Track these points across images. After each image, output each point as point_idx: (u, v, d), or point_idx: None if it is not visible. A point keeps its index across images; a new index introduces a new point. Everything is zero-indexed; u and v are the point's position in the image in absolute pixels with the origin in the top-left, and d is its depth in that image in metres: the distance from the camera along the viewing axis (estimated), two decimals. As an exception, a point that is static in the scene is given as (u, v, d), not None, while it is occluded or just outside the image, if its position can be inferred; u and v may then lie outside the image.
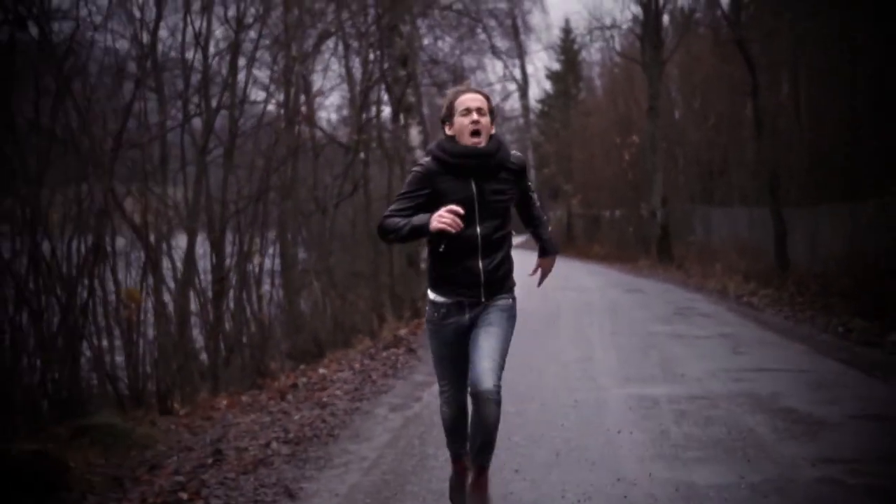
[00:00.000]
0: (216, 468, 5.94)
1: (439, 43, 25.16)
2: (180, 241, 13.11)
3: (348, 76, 21.45)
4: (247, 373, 11.27)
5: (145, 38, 12.75)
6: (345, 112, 24.49)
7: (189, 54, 13.22)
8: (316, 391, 8.86)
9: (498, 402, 4.15)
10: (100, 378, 9.46)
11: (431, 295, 4.41)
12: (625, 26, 32.37)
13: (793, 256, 18.91)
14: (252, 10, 12.53)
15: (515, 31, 38.18)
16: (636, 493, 5.03)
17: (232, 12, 12.84)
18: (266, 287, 14.39)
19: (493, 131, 4.33)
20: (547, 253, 4.65)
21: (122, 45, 12.95)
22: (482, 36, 26.39)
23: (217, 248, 13.03)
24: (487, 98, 4.34)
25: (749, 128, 23.25)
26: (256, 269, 13.91)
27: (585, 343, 11.48)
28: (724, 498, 4.89)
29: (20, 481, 5.20)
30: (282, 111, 14.73)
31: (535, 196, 4.59)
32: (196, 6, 12.76)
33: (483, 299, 4.28)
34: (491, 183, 4.24)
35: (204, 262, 13.28)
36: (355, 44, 20.22)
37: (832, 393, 7.75)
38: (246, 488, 5.46)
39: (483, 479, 4.42)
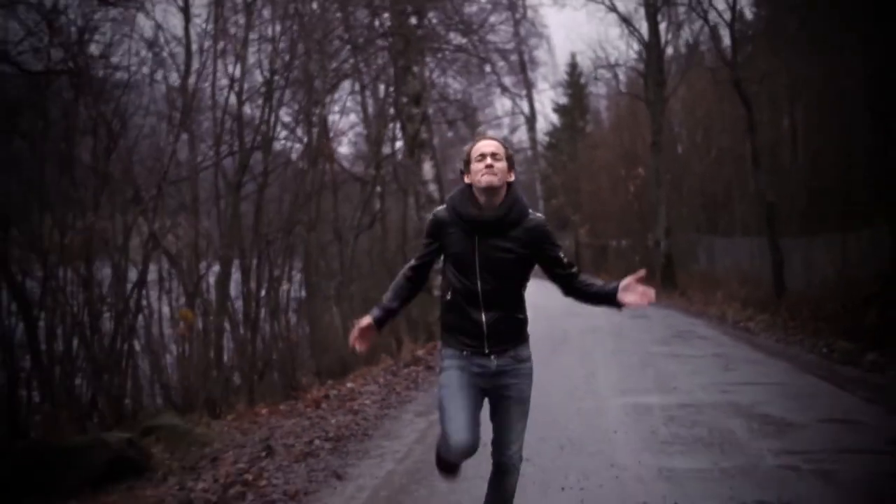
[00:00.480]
0: (270, 459, 6.98)
1: (449, 80, 26.22)
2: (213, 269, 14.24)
3: (364, 114, 22.63)
4: (279, 388, 12.30)
5: (175, 79, 14.01)
6: (359, 145, 25.65)
7: (219, 96, 14.43)
8: (347, 401, 9.89)
9: (518, 472, 4.31)
10: (156, 387, 10.59)
11: (442, 342, 4.43)
12: (628, 65, 33.57)
13: (790, 284, 19.85)
14: (279, 60, 13.59)
15: (523, 66, 39.31)
16: (626, 475, 6.09)
17: (263, 57, 13.97)
18: (292, 312, 15.43)
19: (512, 178, 4.26)
20: (615, 290, 4.45)
21: (157, 88, 14.21)
22: (491, 75, 27.43)
23: (248, 275, 14.09)
24: (504, 146, 4.29)
25: (750, 161, 24.30)
26: (284, 296, 14.95)
27: (590, 361, 12.48)
28: (697, 478, 5.93)
29: (118, 464, 6.29)
30: (304, 150, 15.74)
31: (567, 260, 4.39)
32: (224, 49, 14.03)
33: (486, 351, 4.19)
34: (496, 239, 4.16)
35: (235, 289, 14.31)
36: (371, 84, 21.47)
37: (805, 402, 8.77)
38: (299, 472, 6.52)
39: None
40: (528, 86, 46.49)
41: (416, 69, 20.41)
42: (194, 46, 13.87)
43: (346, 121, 28.04)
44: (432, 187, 19.36)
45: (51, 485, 6.09)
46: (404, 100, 19.95)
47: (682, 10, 28.32)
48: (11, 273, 11.78)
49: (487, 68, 25.78)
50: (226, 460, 7.06)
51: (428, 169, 19.81)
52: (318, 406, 9.78)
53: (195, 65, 13.69)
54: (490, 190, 4.12)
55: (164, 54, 13.66)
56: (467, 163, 4.25)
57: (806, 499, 5.42)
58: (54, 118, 11.34)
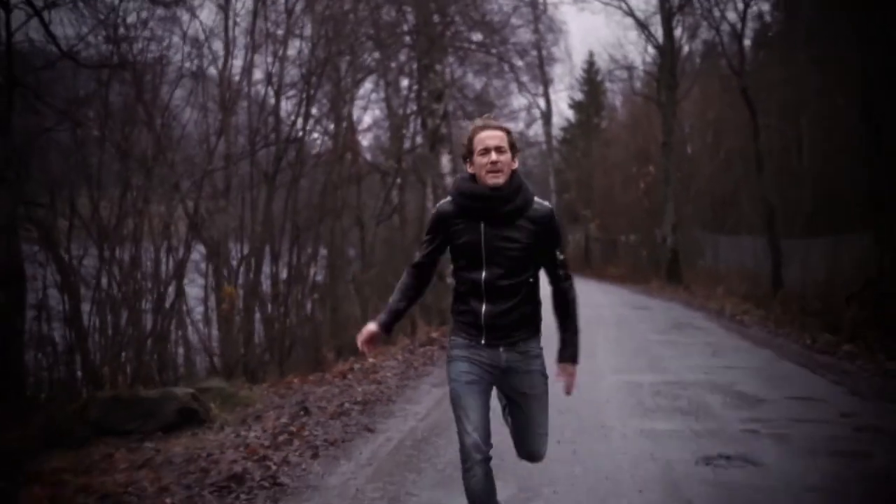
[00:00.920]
0: (308, 417, 8.13)
1: (469, 77, 27.28)
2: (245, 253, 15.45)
3: (388, 109, 23.74)
4: (305, 362, 13.47)
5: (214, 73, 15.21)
6: (380, 138, 26.77)
7: (254, 91, 15.61)
8: (370, 374, 11.04)
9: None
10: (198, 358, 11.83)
11: (451, 331, 4.40)
12: (642, 68, 34.61)
13: (788, 282, 20.93)
14: (314, 60, 14.73)
15: (540, 62, 40.44)
16: (612, 434, 7.24)
17: (299, 56, 15.12)
18: (316, 294, 16.62)
19: (515, 166, 4.18)
20: (563, 358, 4.32)
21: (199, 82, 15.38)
22: (509, 73, 28.47)
23: (277, 260, 15.27)
24: (508, 132, 4.17)
25: (761, 162, 25.32)
26: (310, 279, 16.13)
27: (591, 346, 13.54)
28: (672, 437, 7.08)
29: (184, 414, 7.48)
30: (331, 143, 16.89)
31: (562, 260, 4.28)
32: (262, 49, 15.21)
33: (483, 342, 4.15)
34: (502, 228, 4.08)
35: (265, 272, 15.48)
36: (394, 80, 22.59)
37: (778, 383, 9.88)
38: (336, 427, 7.68)
39: None
40: (545, 81, 47.76)
41: (438, 67, 21.51)
42: (232, 44, 15.12)
43: (369, 114, 29.07)
44: (449, 180, 20.47)
45: (131, 429, 7.30)
46: (425, 94, 21.05)
47: (696, 16, 29.25)
48: (59, 253, 13.07)
49: (506, 67, 26.91)
50: (269, 417, 8.21)
51: (446, 162, 20.87)
52: (344, 377, 10.93)
53: (237, 62, 14.91)
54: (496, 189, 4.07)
55: (205, 50, 14.91)
56: (470, 152, 4.16)
57: (760, 453, 6.53)
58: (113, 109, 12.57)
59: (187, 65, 14.17)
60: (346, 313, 17.51)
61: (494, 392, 4.35)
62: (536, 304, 4.24)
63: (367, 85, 22.37)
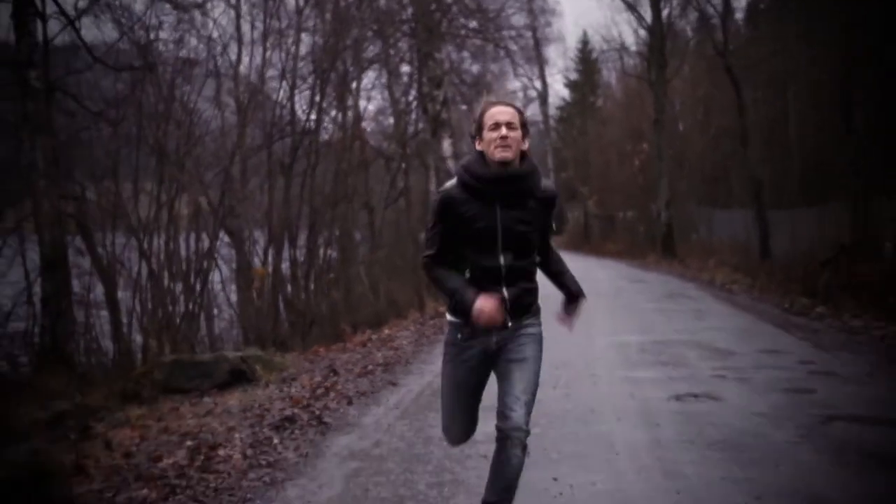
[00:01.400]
0: (337, 377, 9.36)
1: (466, 63, 28.42)
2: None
3: (391, 97, 24.91)
4: (326, 336, 14.69)
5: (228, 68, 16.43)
6: (384, 123, 27.93)
7: (266, 86, 16.81)
8: (387, 342, 12.29)
9: (525, 447, 3.99)
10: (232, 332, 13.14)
11: (451, 318, 4.20)
12: (633, 48, 35.74)
13: (776, 251, 22.14)
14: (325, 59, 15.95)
15: (536, 43, 41.53)
16: (600, 381, 8.51)
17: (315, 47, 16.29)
18: (331, 274, 17.86)
19: (526, 146, 4.08)
20: (575, 298, 4.40)
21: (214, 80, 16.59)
22: (505, 58, 29.58)
23: (295, 243, 16.50)
24: (519, 111, 4.08)
25: (751, 138, 26.47)
26: (326, 261, 17.37)
27: (588, 314, 14.60)
28: (650, 382, 8.33)
29: (235, 374, 8.74)
30: (341, 133, 18.06)
31: (551, 234, 4.30)
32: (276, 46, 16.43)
33: (508, 324, 4.05)
34: (517, 211, 4.00)
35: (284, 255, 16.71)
36: (396, 69, 23.75)
37: (751, 340, 11.11)
38: (363, 382, 8.94)
39: None
40: (541, 62, 48.89)
41: (437, 55, 22.67)
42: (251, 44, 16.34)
43: (373, 102, 30.19)
44: (451, 163, 21.64)
45: (191, 387, 8.56)
46: (426, 81, 22.20)
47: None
48: (93, 242, 14.33)
49: (502, 52, 28.05)
50: (304, 377, 9.43)
51: (447, 147, 22.02)
52: (364, 346, 12.18)
53: (249, 59, 16.10)
54: (504, 164, 3.97)
55: (218, 48, 16.11)
56: (479, 128, 4.05)
57: (722, 391, 7.78)
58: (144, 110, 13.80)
59: (209, 66, 15.28)
60: (358, 292, 18.73)
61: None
62: (537, 281, 4.23)
63: (370, 73, 23.53)
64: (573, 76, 54.19)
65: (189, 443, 6.32)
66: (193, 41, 15.63)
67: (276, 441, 6.42)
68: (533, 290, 4.16)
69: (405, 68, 24.67)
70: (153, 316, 12.28)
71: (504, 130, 3.95)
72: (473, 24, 25.53)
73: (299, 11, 15.65)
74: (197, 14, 15.58)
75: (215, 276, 14.73)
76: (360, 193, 19.46)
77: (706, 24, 26.89)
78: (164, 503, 5.01)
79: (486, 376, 4.24)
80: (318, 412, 7.37)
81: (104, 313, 14.04)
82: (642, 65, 34.42)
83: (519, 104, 4.21)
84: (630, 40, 45.51)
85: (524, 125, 4.07)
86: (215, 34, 16.53)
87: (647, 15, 31.16)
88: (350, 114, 18.31)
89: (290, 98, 15.59)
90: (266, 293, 13.89)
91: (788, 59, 23.30)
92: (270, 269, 14.60)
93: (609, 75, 51.14)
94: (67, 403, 7.45)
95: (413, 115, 23.44)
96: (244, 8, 16.15)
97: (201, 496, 5.14)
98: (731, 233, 29.17)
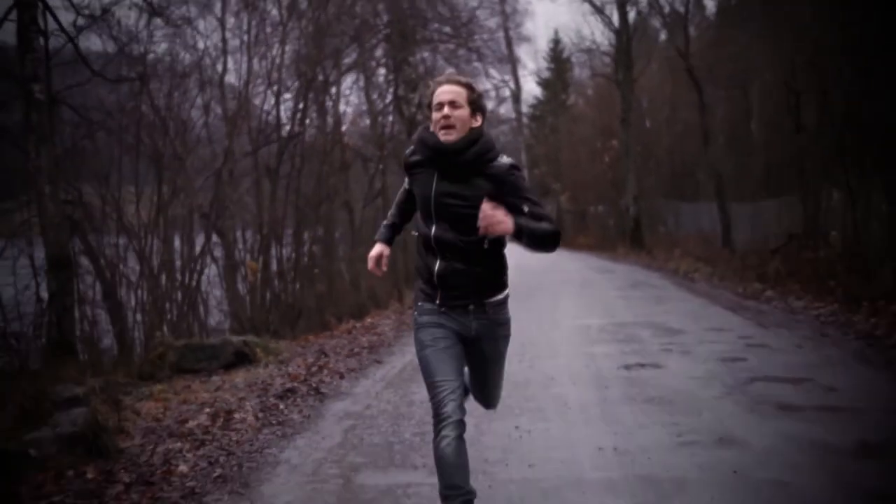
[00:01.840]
0: (328, 358, 10.46)
1: (439, 64, 29.47)
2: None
3: (368, 102, 25.96)
4: (312, 326, 15.79)
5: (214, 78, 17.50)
6: (359, 123, 28.97)
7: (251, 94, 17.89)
8: (370, 329, 13.40)
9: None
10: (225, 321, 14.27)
11: (416, 294, 4.26)
12: (601, 49, 37.00)
13: (738, 241, 23.44)
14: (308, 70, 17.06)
15: (508, 42, 42.63)
16: (561, 356, 9.67)
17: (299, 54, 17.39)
18: (316, 270, 18.97)
19: (477, 124, 3.98)
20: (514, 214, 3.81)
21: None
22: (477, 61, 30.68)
23: (280, 241, 17.59)
24: (469, 88, 3.97)
25: (711, 135, 27.76)
26: (308, 256, 18.47)
27: (555, 301, 15.97)
28: (604, 355, 9.50)
29: (238, 356, 9.84)
30: (322, 138, 19.14)
31: (535, 212, 3.89)
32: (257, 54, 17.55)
33: (437, 302, 4.04)
34: (454, 185, 3.93)
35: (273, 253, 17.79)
36: (373, 74, 24.80)
37: (700, 321, 12.29)
38: (352, 362, 10.07)
39: None
40: (513, 61, 50.01)
41: (412, 59, 23.78)
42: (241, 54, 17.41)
43: (350, 105, 31.21)
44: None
45: (200, 368, 9.66)
46: (402, 85, 23.31)
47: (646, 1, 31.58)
48: (89, 242, 15.36)
49: (474, 56, 29.12)
50: (298, 359, 10.52)
51: (423, 148, 23.08)
52: (349, 333, 13.28)
53: (240, 67, 17.17)
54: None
55: (207, 60, 17.18)
56: (429, 107, 4.03)
57: (666, 361, 8.97)
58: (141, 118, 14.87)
59: (200, 76, 16.33)
60: (340, 286, 19.83)
61: None
62: (499, 266, 4.11)
63: (348, 78, 24.56)
64: (545, 74, 55.40)
65: (207, 410, 7.42)
66: (182, 52, 16.61)
67: (281, 407, 7.54)
68: (475, 270, 3.99)
69: (381, 73, 25.72)
70: (153, 309, 13.33)
71: (446, 110, 3.90)
72: (447, 29, 26.58)
73: (283, 24, 16.71)
74: (187, 28, 16.65)
75: (209, 272, 15.85)
76: (340, 193, 20.53)
77: (668, 28, 28.11)
78: (196, 452, 6.11)
79: (459, 346, 4.09)
80: (315, 385, 8.49)
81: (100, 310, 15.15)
82: (611, 65, 35.64)
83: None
84: (600, 40, 46.70)
85: (473, 102, 3.96)
86: (201, 45, 17.57)
87: (615, 17, 32.46)
88: (331, 119, 19.37)
89: (276, 105, 16.70)
90: (258, 286, 14.98)
91: (747, 61, 24.55)
92: (261, 265, 15.68)
93: (581, 73, 52.40)
94: (89, 384, 8.49)
95: (390, 118, 24.47)
96: (231, 21, 17.19)
97: (226, 447, 6.25)
98: (696, 225, 30.51)
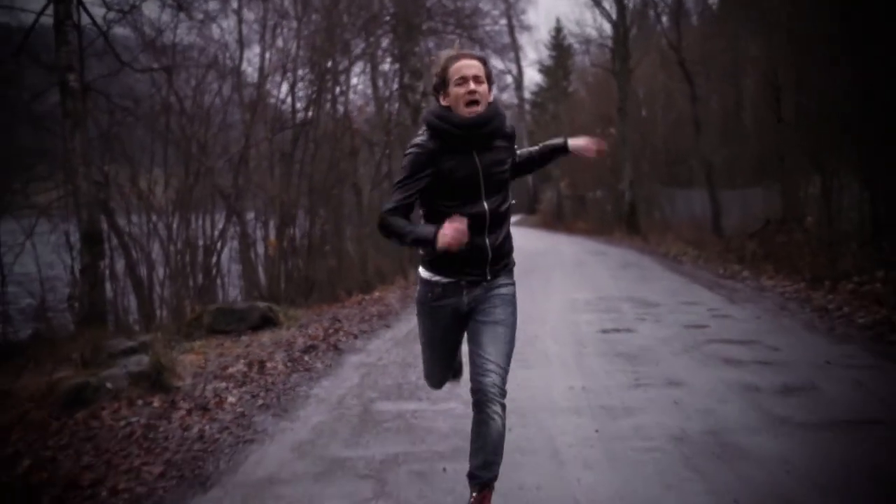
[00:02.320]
0: (342, 324, 11.76)
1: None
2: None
3: (374, 90, 27.19)
4: (324, 299, 17.08)
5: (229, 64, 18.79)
6: (367, 109, 30.23)
7: (268, 84, 19.17)
8: (378, 301, 14.70)
9: (503, 406, 3.98)
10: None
11: (425, 274, 4.16)
12: (598, 40, 38.26)
13: (727, 226, 24.69)
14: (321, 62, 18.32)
15: (511, 29, 43.78)
16: (548, 322, 10.97)
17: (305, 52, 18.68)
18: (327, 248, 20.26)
19: (492, 98, 4.03)
20: (564, 146, 4.42)
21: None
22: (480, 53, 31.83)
23: (293, 221, 18.88)
24: (484, 62, 4.00)
25: (705, 125, 28.96)
26: (320, 235, 19.76)
27: (548, 279, 17.25)
28: (587, 322, 10.79)
29: (264, 319, 11.16)
30: (332, 124, 20.38)
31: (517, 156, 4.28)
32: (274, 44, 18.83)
33: (489, 277, 4.07)
34: (491, 154, 3.99)
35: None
36: (380, 63, 26.02)
37: (678, 296, 13.59)
38: (364, 326, 11.37)
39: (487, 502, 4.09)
40: (516, 47, 51.16)
41: (417, 49, 24.98)
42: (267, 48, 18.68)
43: (358, 93, 32.42)
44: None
45: (230, 329, 10.98)
46: (407, 74, 24.52)
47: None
48: (115, 221, 16.66)
49: (477, 48, 30.29)
50: (315, 325, 11.83)
51: (426, 134, 24.29)
52: (359, 304, 14.58)
53: (261, 59, 18.42)
54: None
55: (228, 53, 18.46)
56: (444, 82, 3.97)
57: (639, 327, 10.28)
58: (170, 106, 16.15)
59: (223, 67, 17.61)
60: (348, 263, 21.12)
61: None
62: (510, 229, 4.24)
63: (356, 67, 25.79)
64: (547, 62, 56.61)
65: (243, 360, 8.74)
66: (203, 43, 17.84)
67: (306, 359, 8.86)
68: (510, 238, 4.17)
69: (388, 62, 26.92)
70: (182, 281, 14.67)
71: (472, 85, 3.90)
72: (451, 20, 27.74)
73: (298, 19, 17.96)
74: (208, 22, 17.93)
75: (229, 248, 17.17)
76: (349, 177, 21.79)
77: (660, 22, 29.33)
78: (239, 389, 7.42)
79: (461, 334, 4.25)
80: (332, 343, 9.82)
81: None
82: (609, 55, 36.82)
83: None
84: (598, 31, 48.06)
85: (489, 77, 4.01)
86: (217, 35, 18.85)
87: (613, 10, 33.65)
88: (341, 107, 20.61)
89: (292, 94, 17.96)
90: (277, 261, 16.32)
91: (736, 53, 25.78)
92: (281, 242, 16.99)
93: (583, 60, 53.58)
94: (140, 339, 9.81)
95: (396, 105, 25.68)
96: (251, 16, 18.47)
97: (264, 386, 7.57)
98: (689, 211, 31.70)
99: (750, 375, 7.35)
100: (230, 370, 8.23)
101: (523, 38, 68.68)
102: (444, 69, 3.94)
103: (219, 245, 16.45)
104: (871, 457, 5.00)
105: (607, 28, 36.01)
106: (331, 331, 10.84)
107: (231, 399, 7.02)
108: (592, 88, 44.13)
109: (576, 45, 43.25)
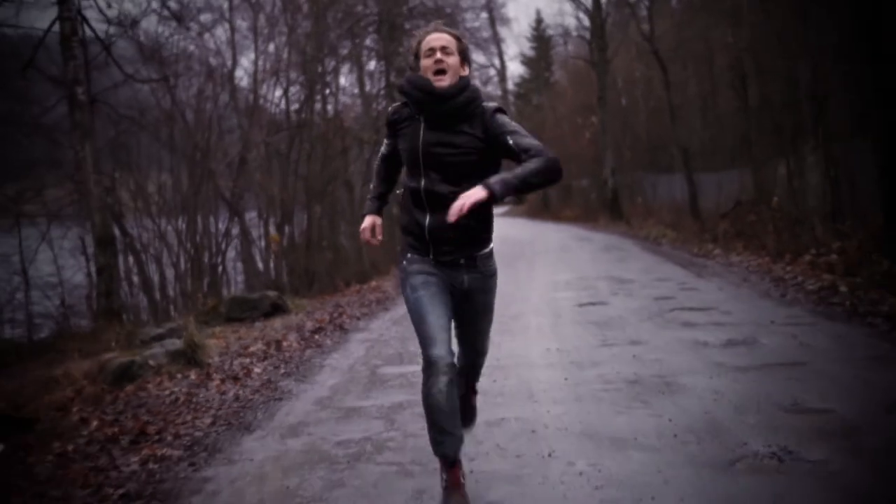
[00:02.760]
0: (344, 309, 12.90)
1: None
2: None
3: (361, 90, 28.32)
4: (324, 288, 18.25)
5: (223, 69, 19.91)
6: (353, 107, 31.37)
7: (260, 90, 20.30)
8: (375, 290, 15.86)
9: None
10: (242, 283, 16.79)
11: (402, 247, 4.20)
12: (576, 33, 39.41)
13: (705, 209, 25.83)
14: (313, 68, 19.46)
15: (492, 22, 45.05)
16: (530, 300, 12.13)
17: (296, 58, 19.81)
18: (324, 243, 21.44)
19: (466, 73, 4.02)
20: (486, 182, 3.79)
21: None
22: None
23: (290, 218, 20.03)
24: (458, 38, 4.01)
25: (684, 110, 30.17)
26: (317, 230, 20.93)
27: (533, 264, 18.42)
28: (565, 299, 11.96)
29: (274, 307, 12.30)
30: (324, 124, 21.53)
31: (522, 144, 3.93)
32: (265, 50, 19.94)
33: (431, 256, 4.08)
34: (442, 133, 3.93)
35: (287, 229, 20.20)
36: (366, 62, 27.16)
37: (651, 273, 14.76)
38: (364, 311, 12.53)
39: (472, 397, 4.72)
40: (497, 41, 52.40)
41: (401, 49, 26.09)
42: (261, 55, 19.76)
43: (346, 92, 33.51)
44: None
45: (244, 316, 12.12)
46: (393, 73, 25.62)
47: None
48: (123, 225, 17.79)
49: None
50: (320, 311, 12.98)
51: (414, 130, 25.40)
52: (358, 293, 15.74)
53: (256, 65, 19.54)
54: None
55: (225, 62, 19.58)
56: (416, 57, 4.03)
57: (611, 300, 11.45)
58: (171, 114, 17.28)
59: (213, 74, 18.73)
60: (343, 256, 22.30)
61: None
62: (487, 218, 4.12)
63: (343, 67, 26.90)
64: (529, 54, 57.77)
65: (261, 341, 9.91)
66: (198, 51, 18.99)
67: (316, 338, 10.05)
68: (464, 229, 3.97)
69: (374, 62, 28.03)
70: (195, 277, 15.84)
71: (439, 55, 3.91)
72: (433, 18, 28.86)
73: (290, 28, 19.10)
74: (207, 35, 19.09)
75: (232, 245, 18.37)
76: (341, 174, 22.95)
77: (634, 13, 30.49)
78: (262, 363, 8.58)
79: (450, 297, 4.20)
80: (338, 324, 11.01)
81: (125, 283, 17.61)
82: (587, 47, 37.96)
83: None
84: (577, 23, 49.36)
85: (462, 52, 4.01)
86: (211, 45, 19.98)
87: (588, 2, 34.77)
88: (331, 108, 21.79)
89: (285, 98, 19.12)
90: (280, 254, 17.51)
91: (706, 41, 26.94)
92: (281, 237, 18.16)
93: (565, 50, 54.73)
94: (168, 326, 10.94)
95: (383, 103, 26.79)
96: (244, 25, 19.63)
97: (283, 359, 8.74)
98: (670, 195, 32.86)
99: (702, 334, 8.53)
100: (251, 349, 9.39)
101: (504, 32, 69.75)
102: (418, 44, 4.04)
103: (223, 245, 17.62)
104: (788, 388, 6.16)
105: (585, 20, 37.13)
106: (335, 315, 11.99)
107: (257, 370, 8.18)
108: (573, 79, 45.26)
109: (556, 38, 44.25)
